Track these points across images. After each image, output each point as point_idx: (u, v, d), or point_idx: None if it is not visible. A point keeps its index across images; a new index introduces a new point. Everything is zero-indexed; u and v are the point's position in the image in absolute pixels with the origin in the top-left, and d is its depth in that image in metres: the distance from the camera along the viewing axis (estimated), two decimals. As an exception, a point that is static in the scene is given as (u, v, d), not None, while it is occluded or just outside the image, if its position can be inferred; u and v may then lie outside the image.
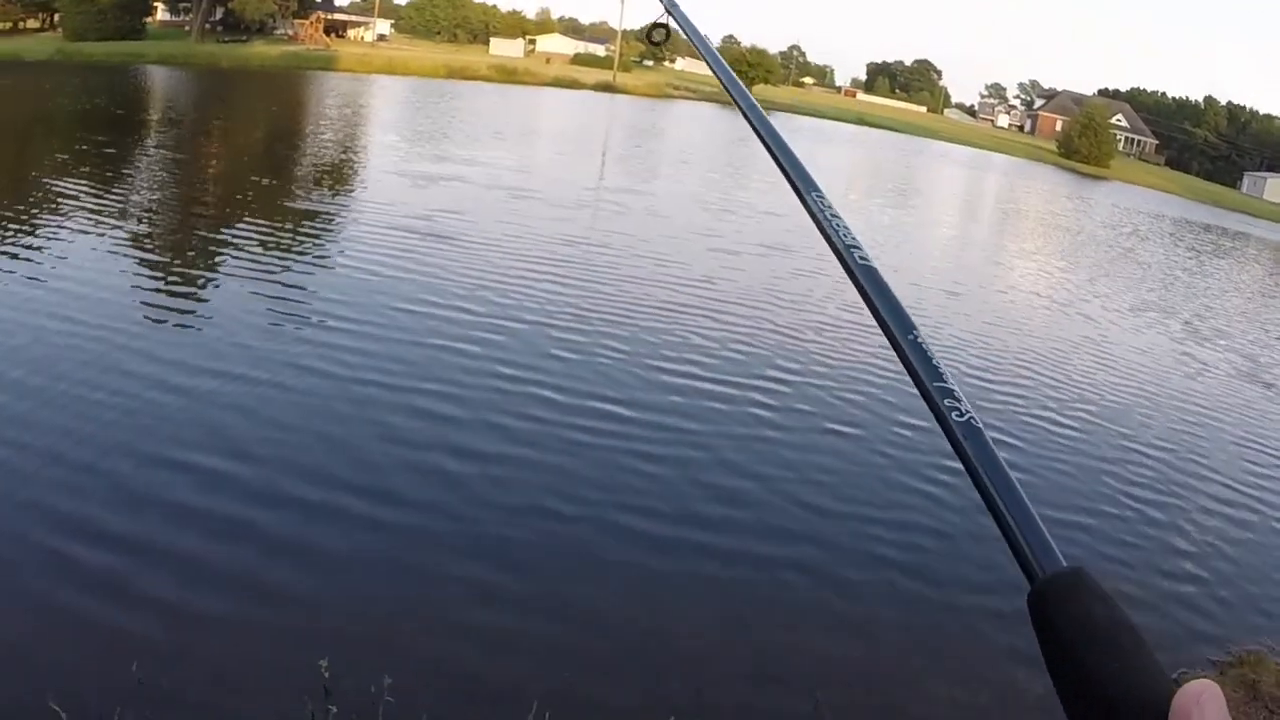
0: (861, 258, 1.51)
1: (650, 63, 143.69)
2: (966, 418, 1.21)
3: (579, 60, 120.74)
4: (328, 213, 20.46)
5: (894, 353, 1.33)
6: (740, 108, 2.20)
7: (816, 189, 1.71)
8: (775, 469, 10.17)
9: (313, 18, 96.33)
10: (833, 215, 1.62)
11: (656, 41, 3.15)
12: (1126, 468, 11.79)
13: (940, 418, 1.23)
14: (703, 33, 2.74)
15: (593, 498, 9.07)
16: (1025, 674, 7.01)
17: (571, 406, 11.00)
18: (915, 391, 1.27)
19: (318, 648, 5.88)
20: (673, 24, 3.01)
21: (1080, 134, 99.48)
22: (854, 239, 1.55)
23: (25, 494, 8.07)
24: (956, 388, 1.24)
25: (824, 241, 1.59)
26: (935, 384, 1.26)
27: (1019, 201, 52.33)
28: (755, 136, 2.03)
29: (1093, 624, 0.97)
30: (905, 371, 1.30)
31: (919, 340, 1.32)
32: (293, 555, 7.62)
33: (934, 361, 1.29)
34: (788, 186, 1.77)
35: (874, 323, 1.39)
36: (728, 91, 2.32)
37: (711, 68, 2.49)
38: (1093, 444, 12.40)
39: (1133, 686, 0.91)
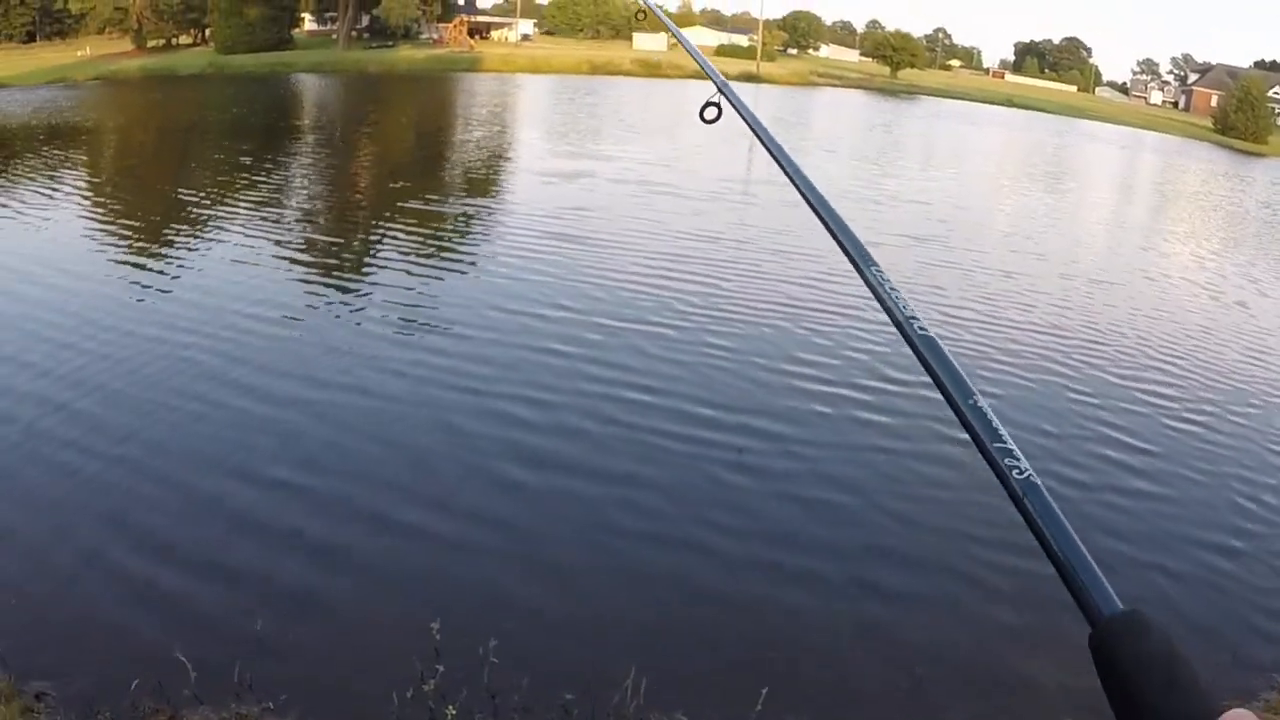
0: (920, 328, 1.60)
1: (794, 51, 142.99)
2: (1026, 475, 1.32)
3: (722, 51, 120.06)
4: (457, 215, 21.01)
5: (955, 418, 1.43)
6: (798, 187, 2.37)
7: (874, 263, 1.83)
8: (877, 479, 10.02)
9: (456, 21, 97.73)
10: (892, 289, 1.72)
11: (709, 120, 3.24)
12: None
13: (1001, 476, 1.34)
14: (752, 109, 2.95)
15: (692, 495, 9.37)
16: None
17: (670, 410, 11.05)
18: (977, 450, 1.37)
19: (429, 613, 6.39)
20: (724, 103, 3.21)
21: (1236, 109, 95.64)
22: (912, 311, 1.65)
23: (176, 467, 8.90)
24: (1015, 447, 1.35)
25: (884, 313, 1.69)
26: (996, 444, 1.37)
27: (1172, 182, 50.07)
28: (814, 215, 2.18)
29: (1150, 661, 1.04)
30: (967, 434, 1.40)
31: (979, 404, 1.43)
32: (409, 533, 8.16)
33: (994, 424, 1.39)
34: (845, 257, 1.92)
35: (934, 387, 1.50)
36: (784, 171, 2.50)
37: (766, 147, 2.69)
38: (1243, 454, 11.29)
39: (1184, 717, 1.02)
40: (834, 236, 2.03)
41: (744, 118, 2.97)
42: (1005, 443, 1.36)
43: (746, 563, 8.03)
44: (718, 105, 3.23)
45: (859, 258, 1.88)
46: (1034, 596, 7.65)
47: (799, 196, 2.35)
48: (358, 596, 7.19)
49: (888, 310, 1.70)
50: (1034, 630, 7.38)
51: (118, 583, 7.17)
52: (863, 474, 9.80)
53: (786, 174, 2.48)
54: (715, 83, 3.29)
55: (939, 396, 1.47)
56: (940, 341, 1.55)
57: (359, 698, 6.04)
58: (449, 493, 8.78)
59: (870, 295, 1.79)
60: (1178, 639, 1.06)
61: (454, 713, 5.66)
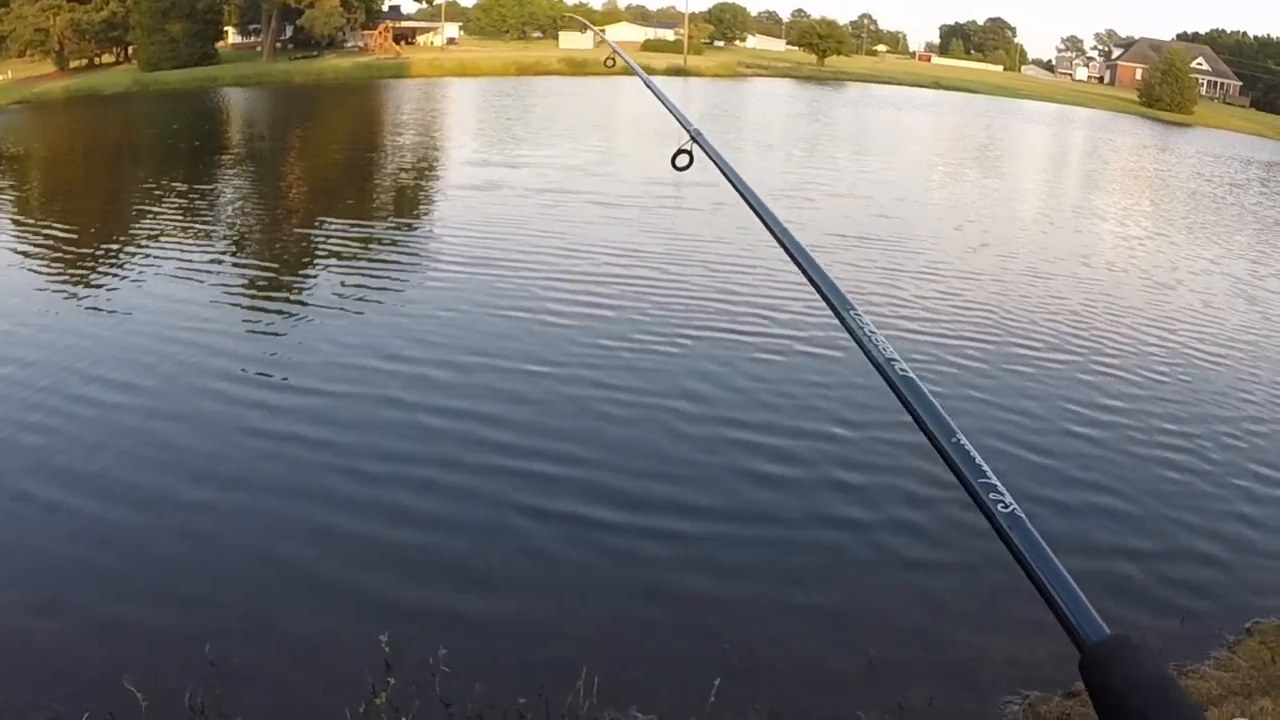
0: (901, 369, 1.64)
1: (721, 43, 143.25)
2: (1010, 509, 1.35)
3: (649, 46, 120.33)
4: (365, 241, 19.45)
5: (938, 455, 1.47)
6: (774, 233, 2.38)
7: (852, 307, 1.86)
8: (825, 463, 10.33)
9: (381, 27, 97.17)
10: (871, 331, 1.76)
11: (681, 167, 3.32)
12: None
13: (986, 511, 1.36)
14: (725, 157, 3.01)
15: (642, 486, 9.51)
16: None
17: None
18: (959, 487, 1.40)
19: (378, 626, 6.39)
20: (696, 151, 3.28)
21: (1161, 81, 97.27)
22: (892, 352, 1.68)
23: (117, 495, 8.78)
24: (998, 483, 1.38)
25: (864, 356, 1.72)
26: (980, 480, 1.40)
27: (1103, 158, 49.96)
28: (791, 261, 2.20)
29: (1141, 682, 1.07)
30: (951, 472, 1.43)
31: (961, 442, 1.46)
32: (350, 543, 8.15)
33: (977, 460, 1.43)
34: (822, 299, 1.97)
35: (916, 425, 1.52)
36: (759, 217, 2.52)
37: (741, 193, 2.73)
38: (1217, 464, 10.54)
39: None
40: (811, 282, 2.06)
41: (718, 165, 3.00)
42: (989, 478, 1.39)
43: (694, 557, 8.06)
44: (689, 153, 3.28)
45: (837, 302, 1.92)
46: (983, 577, 7.71)
47: (771, 237, 2.38)
48: (305, 614, 7.14)
49: (867, 353, 1.72)
50: (984, 610, 7.44)
51: (63, 614, 7.07)
52: (810, 459, 9.85)
53: (762, 220, 2.50)
54: (689, 132, 3.35)
55: (907, 422, 1.49)
56: (920, 381, 1.58)
57: (310, 716, 6.01)
58: (391, 504, 8.74)
59: (830, 324, 1.83)
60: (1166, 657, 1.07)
61: (407, 724, 5.64)
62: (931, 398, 1.55)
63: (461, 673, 6.11)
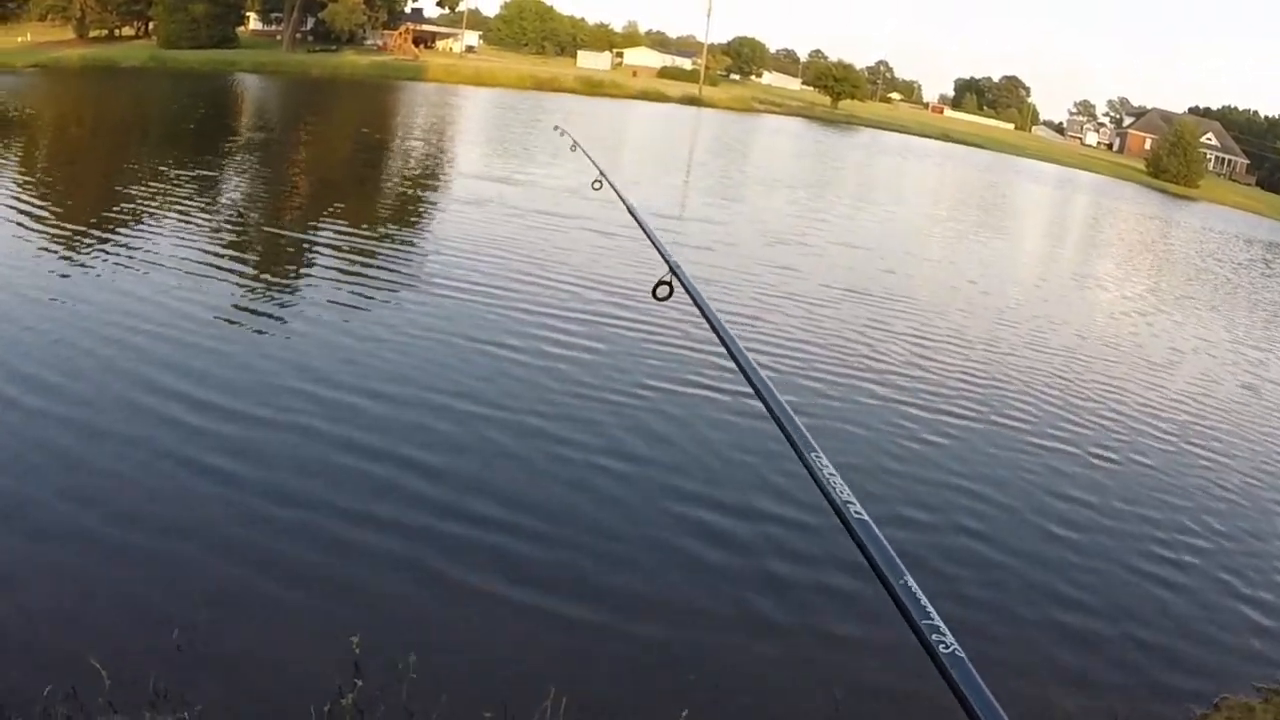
0: (856, 512, 1.74)
1: (737, 76, 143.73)
2: (951, 650, 1.48)
3: (665, 73, 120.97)
4: (337, 249, 18.49)
5: (888, 597, 1.59)
6: (744, 373, 2.45)
7: (815, 449, 1.95)
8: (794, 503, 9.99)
9: (402, 29, 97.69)
10: (831, 474, 1.85)
11: (661, 298, 3.43)
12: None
13: (930, 650, 1.49)
14: (702, 294, 3.10)
15: (608, 520, 9.50)
16: (1060, 690, 7.25)
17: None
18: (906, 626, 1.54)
19: (350, 627, 6.43)
20: (676, 283, 3.40)
21: (1169, 153, 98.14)
22: (849, 495, 1.78)
23: (64, 463, 8.74)
24: (942, 624, 1.50)
25: (822, 498, 1.82)
26: (924, 621, 1.52)
27: (1106, 226, 50.31)
28: (760, 402, 2.28)
29: None
30: (898, 611, 1.56)
31: (910, 585, 1.58)
32: (328, 541, 8.08)
33: (923, 602, 1.56)
34: (789, 445, 2.04)
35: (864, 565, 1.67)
36: (730, 355, 2.61)
37: (715, 329, 2.85)
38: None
39: None
40: (778, 422, 2.14)
41: (694, 300, 3.10)
42: (933, 619, 1.51)
43: (667, 585, 8.05)
44: (669, 284, 3.40)
45: (801, 443, 1.99)
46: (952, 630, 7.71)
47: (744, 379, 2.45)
48: (276, 608, 7.11)
49: (826, 495, 1.81)
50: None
51: (29, 589, 7.04)
52: (779, 494, 9.82)
53: (733, 358, 2.59)
54: (668, 263, 3.49)
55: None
56: (874, 524, 1.69)
57: (275, 710, 5.97)
58: (372, 506, 8.67)
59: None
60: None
61: (371, 728, 5.65)
62: (884, 541, 1.66)
63: (429, 682, 6.08)
